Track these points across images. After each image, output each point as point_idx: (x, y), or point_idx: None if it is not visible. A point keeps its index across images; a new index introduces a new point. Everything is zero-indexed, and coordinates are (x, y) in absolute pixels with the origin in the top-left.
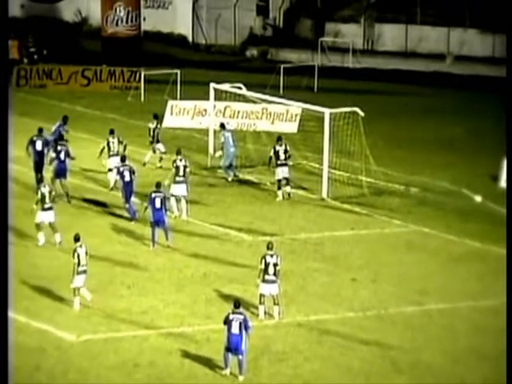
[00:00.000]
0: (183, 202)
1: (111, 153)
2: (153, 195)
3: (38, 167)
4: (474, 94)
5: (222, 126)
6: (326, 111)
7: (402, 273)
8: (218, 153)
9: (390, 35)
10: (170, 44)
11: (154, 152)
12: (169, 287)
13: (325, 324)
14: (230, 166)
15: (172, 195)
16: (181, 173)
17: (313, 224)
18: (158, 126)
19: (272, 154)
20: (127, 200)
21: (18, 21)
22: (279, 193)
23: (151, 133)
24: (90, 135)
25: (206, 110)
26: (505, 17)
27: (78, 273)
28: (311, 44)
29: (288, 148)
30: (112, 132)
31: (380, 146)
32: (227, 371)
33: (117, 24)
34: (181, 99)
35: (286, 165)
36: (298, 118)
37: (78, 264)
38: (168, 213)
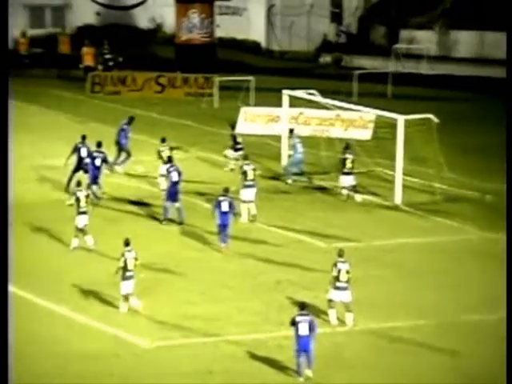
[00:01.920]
0: (252, 205)
1: (164, 160)
2: (219, 199)
3: (77, 172)
4: None
5: (291, 131)
6: (400, 118)
7: (473, 280)
8: (289, 153)
9: (465, 41)
10: (243, 51)
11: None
12: (241, 294)
13: (395, 331)
14: (300, 173)
15: (242, 200)
16: (249, 177)
17: (386, 230)
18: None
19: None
20: (168, 199)
21: (94, 28)
22: (344, 192)
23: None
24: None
25: (279, 117)
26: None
27: (125, 278)
28: (385, 51)
29: (354, 157)
30: (164, 140)
31: (453, 152)
32: (301, 379)
33: (191, 31)
34: (254, 106)
35: (351, 173)
36: (372, 124)
37: (125, 269)
38: (236, 218)
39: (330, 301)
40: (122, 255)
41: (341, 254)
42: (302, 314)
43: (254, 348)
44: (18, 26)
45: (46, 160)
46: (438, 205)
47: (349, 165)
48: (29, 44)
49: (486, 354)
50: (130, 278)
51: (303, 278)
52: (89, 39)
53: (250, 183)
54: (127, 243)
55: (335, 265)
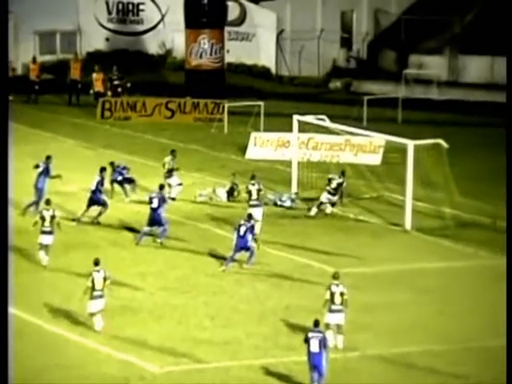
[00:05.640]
0: (258, 225)
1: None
2: (240, 222)
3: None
4: None
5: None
6: (410, 143)
7: (488, 305)
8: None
9: (475, 67)
10: (253, 76)
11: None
12: (251, 318)
13: (410, 357)
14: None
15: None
16: (254, 196)
17: (396, 255)
18: None
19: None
20: (147, 224)
21: (103, 54)
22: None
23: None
24: None
25: (289, 142)
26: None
27: (93, 298)
28: (395, 76)
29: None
30: (173, 152)
31: (464, 177)
32: None
33: (201, 56)
34: (264, 131)
35: (335, 194)
36: (382, 149)
37: (93, 289)
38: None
39: (327, 325)
40: (90, 275)
41: (336, 276)
42: (314, 331)
43: (264, 372)
44: (29, 52)
45: (55, 186)
46: (448, 230)
47: (333, 185)
48: (39, 70)
49: (503, 380)
50: (98, 297)
51: (313, 303)
52: (98, 65)
53: (255, 203)
54: (96, 263)
55: (329, 287)
